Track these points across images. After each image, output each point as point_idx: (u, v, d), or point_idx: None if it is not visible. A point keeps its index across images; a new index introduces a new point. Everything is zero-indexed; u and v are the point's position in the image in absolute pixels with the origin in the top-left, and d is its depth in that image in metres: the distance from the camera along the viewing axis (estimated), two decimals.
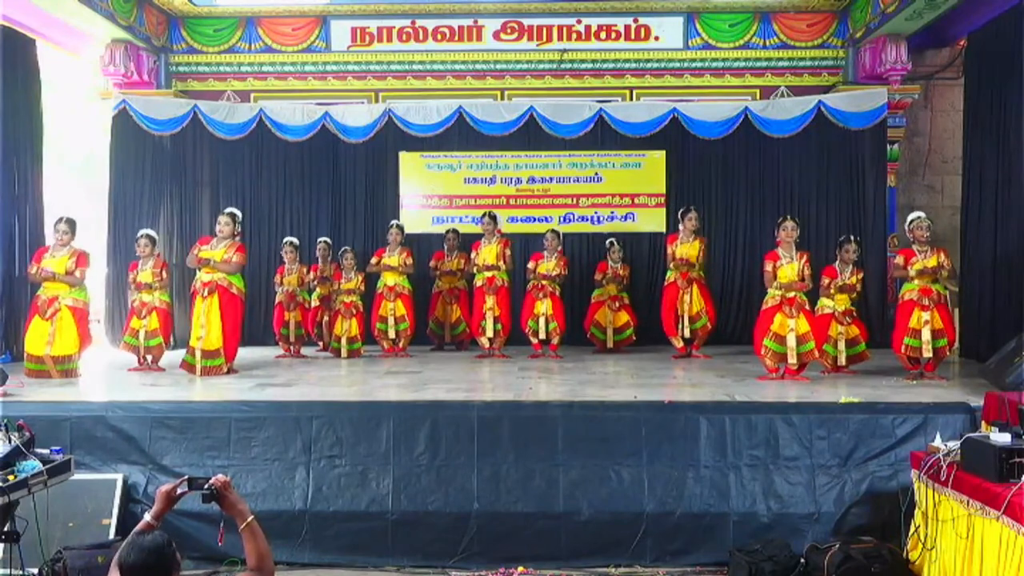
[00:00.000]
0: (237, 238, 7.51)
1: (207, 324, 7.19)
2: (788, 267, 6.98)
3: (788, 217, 7.31)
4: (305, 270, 8.95)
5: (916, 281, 6.85)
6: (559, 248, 8.64)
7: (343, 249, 8.75)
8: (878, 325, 9.02)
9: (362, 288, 8.62)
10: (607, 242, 9.02)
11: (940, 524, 4.39)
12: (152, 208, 9.73)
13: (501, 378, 7.14)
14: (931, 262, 6.82)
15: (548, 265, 8.49)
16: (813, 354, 6.89)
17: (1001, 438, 4.06)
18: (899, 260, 7.06)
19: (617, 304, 8.83)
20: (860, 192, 9.50)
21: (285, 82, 10.10)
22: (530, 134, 9.65)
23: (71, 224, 7.19)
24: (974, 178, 8.52)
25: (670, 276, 8.39)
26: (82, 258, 7.15)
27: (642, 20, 9.92)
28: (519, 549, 5.19)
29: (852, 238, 7.51)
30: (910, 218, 7.13)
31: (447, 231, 9.24)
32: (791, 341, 6.81)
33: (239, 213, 7.70)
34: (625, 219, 9.82)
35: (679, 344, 8.34)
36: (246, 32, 10.00)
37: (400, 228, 8.84)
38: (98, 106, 9.92)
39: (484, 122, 9.56)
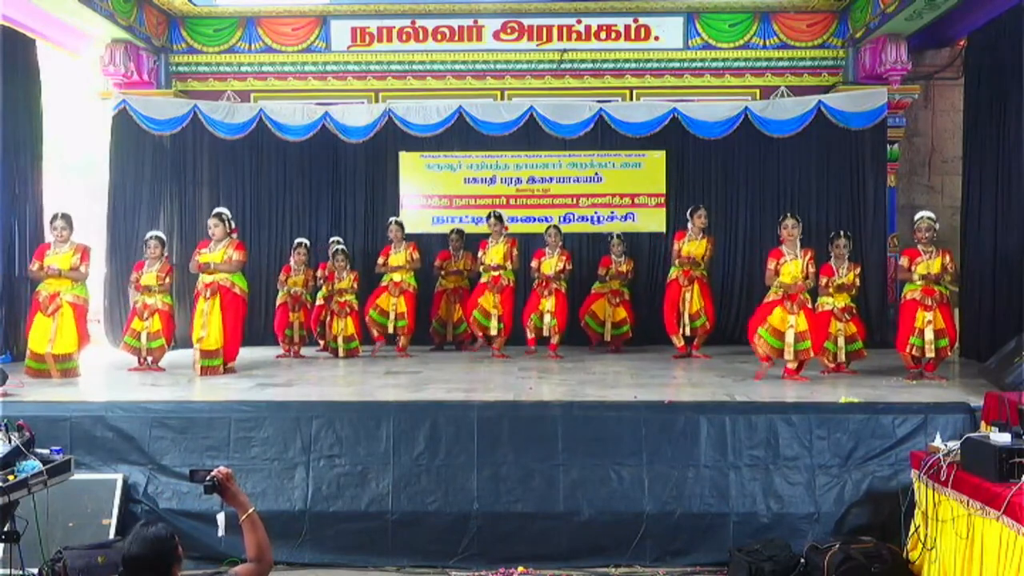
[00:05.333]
0: (234, 235, 7.53)
1: (208, 324, 7.19)
2: (791, 264, 6.96)
3: (788, 215, 7.28)
4: (312, 272, 8.93)
5: (919, 281, 6.85)
6: (560, 243, 8.64)
7: (335, 250, 8.72)
8: (878, 325, 9.03)
9: (355, 287, 8.60)
10: (610, 236, 9.01)
11: (940, 524, 4.40)
12: (152, 208, 9.72)
13: (501, 378, 7.14)
14: (935, 266, 6.81)
15: (551, 262, 8.48)
16: (809, 353, 6.86)
17: (1001, 438, 4.07)
18: (903, 261, 7.04)
19: (617, 299, 8.81)
20: (860, 192, 9.49)
21: (285, 82, 10.10)
22: (530, 134, 9.65)
23: (68, 220, 7.14)
24: (974, 178, 8.52)
25: (672, 273, 8.39)
26: (85, 253, 7.13)
27: (642, 20, 9.92)
28: (519, 549, 5.20)
29: (841, 233, 7.49)
30: (916, 217, 7.13)
31: (451, 231, 9.23)
32: (789, 337, 6.80)
33: (226, 211, 7.67)
34: (625, 219, 9.82)
35: (679, 343, 8.34)
36: (246, 32, 10.00)
37: (400, 224, 8.79)
38: (98, 106, 9.91)
39: (484, 122, 9.56)
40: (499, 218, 8.67)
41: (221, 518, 3.22)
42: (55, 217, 7.20)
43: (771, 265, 7.04)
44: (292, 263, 8.84)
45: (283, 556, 5.08)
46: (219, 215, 7.49)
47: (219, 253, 7.32)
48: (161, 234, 7.98)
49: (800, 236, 7.14)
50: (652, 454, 5.34)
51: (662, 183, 9.79)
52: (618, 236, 8.95)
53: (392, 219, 8.94)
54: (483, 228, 8.92)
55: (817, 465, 5.33)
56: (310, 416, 5.51)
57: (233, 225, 7.58)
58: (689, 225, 8.40)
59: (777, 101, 9.65)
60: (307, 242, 9.00)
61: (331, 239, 9.24)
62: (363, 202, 9.94)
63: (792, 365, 6.87)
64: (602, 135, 9.64)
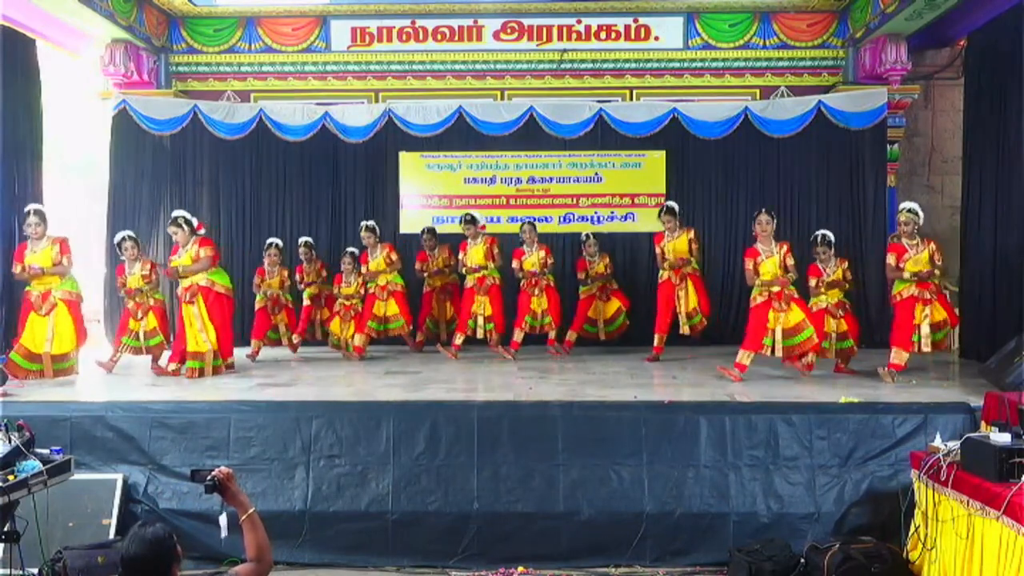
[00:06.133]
0: (200, 232, 7.37)
1: (204, 328, 7.14)
2: (769, 261, 6.90)
3: (763, 211, 7.17)
4: (287, 273, 8.82)
5: (911, 278, 6.83)
6: (536, 238, 8.55)
7: (345, 252, 8.65)
8: (878, 324, 9.01)
9: (362, 292, 8.54)
10: (584, 236, 8.87)
11: (940, 524, 4.40)
12: (152, 208, 9.72)
13: (501, 378, 7.14)
14: (923, 259, 6.79)
15: (532, 259, 8.42)
16: (812, 340, 6.82)
17: (1001, 438, 4.07)
18: (890, 259, 6.93)
19: (606, 293, 8.76)
20: (860, 192, 9.49)
21: (285, 82, 10.10)
22: (530, 134, 9.64)
23: (40, 215, 6.96)
24: (974, 178, 8.52)
25: (663, 275, 8.36)
26: (64, 245, 6.96)
27: (642, 20, 9.92)
28: (519, 549, 5.20)
29: (819, 239, 7.41)
30: (898, 209, 7.10)
31: (422, 231, 9.12)
32: (778, 334, 6.79)
33: (185, 213, 7.46)
34: (625, 219, 9.82)
35: (658, 344, 8.25)
36: (246, 32, 10.00)
37: (371, 229, 8.57)
38: (98, 106, 9.92)
39: (484, 122, 9.56)
40: (472, 220, 8.50)
41: (223, 519, 3.22)
42: (28, 214, 7.00)
43: (749, 265, 6.94)
44: (265, 265, 8.70)
45: (283, 556, 5.08)
46: (175, 220, 7.29)
47: (186, 256, 7.20)
48: (132, 233, 7.81)
49: (774, 231, 7.04)
50: (652, 454, 5.35)
51: (662, 183, 9.78)
52: (592, 235, 8.78)
53: (363, 224, 8.75)
54: (463, 230, 8.78)
55: (817, 465, 5.34)
56: (310, 416, 5.51)
57: (195, 224, 7.40)
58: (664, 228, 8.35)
59: (777, 101, 9.66)
60: (279, 242, 8.85)
61: (300, 240, 9.06)
62: (363, 202, 9.92)
63: (803, 360, 6.88)
64: (602, 135, 9.63)
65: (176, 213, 7.45)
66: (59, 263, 6.91)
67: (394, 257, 8.56)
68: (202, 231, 7.48)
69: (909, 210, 6.94)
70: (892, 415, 5.43)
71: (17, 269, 6.98)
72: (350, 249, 8.70)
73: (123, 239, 7.62)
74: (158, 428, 5.47)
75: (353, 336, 8.45)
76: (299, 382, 7.09)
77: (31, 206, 7.17)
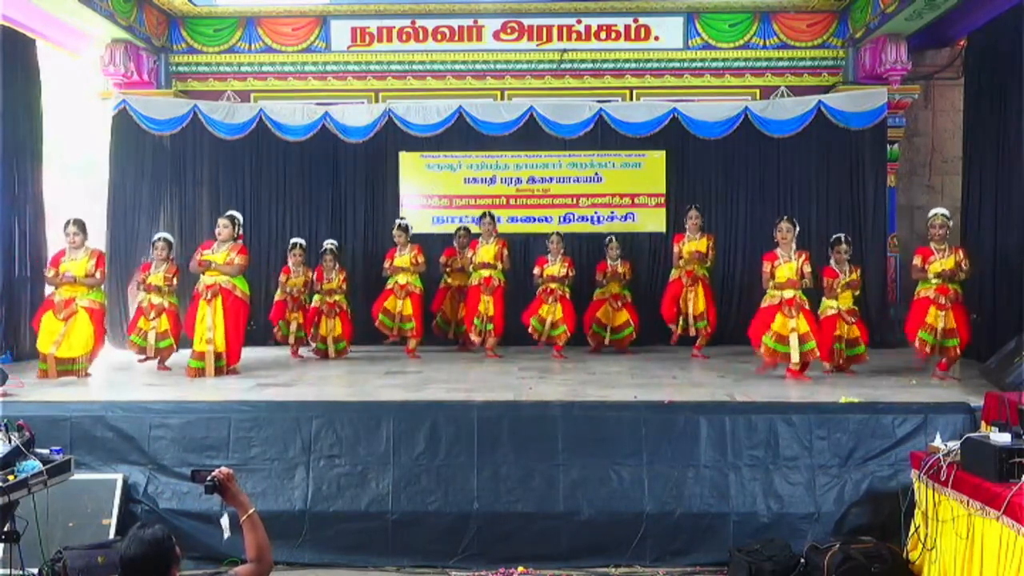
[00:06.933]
0: (238, 240, 7.51)
1: (214, 327, 7.16)
2: (786, 266, 6.97)
3: (784, 218, 7.31)
4: (311, 273, 8.83)
5: (934, 280, 6.83)
6: (563, 250, 8.61)
7: (324, 249, 8.63)
8: (878, 325, 9.01)
9: (344, 287, 8.56)
10: (605, 240, 8.97)
11: (940, 524, 4.40)
12: (152, 208, 9.71)
13: (501, 378, 7.14)
14: (948, 263, 6.80)
15: (554, 268, 8.46)
16: (814, 353, 6.86)
17: (1001, 438, 4.07)
18: (916, 261, 7.01)
19: (619, 303, 8.78)
20: (860, 192, 9.48)
21: (285, 82, 10.10)
22: (530, 134, 9.63)
23: (80, 225, 7.18)
24: (974, 178, 8.53)
25: (674, 273, 8.39)
26: (100, 258, 7.22)
27: (642, 20, 9.92)
28: (519, 549, 5.21)
29: (843, 238, 7.44)
30: (930, 214, 7.12)
31: (458, 229, 9.19)
32: (793, 341, 6.80)
33: (239, 215, 7.70)
34: (625, 219, 9.81)
35: (677, 330, 8.36)
36: (246, 32, 10.00)
37: (403, 228, 8.63)
38: (98, 106, 9.91)
39: (484, 122, 9.56)
40: (492, 218, 8.62)
41: (225, 520, 3.21)
42: (68, 223, 7.20)
43: (766, 268, 7.07)
44: (290, 264, 8.72)
45: (283, 556, 5.08)
46: (231, 217, 7.50)
47: (222, 254, 7.31)
48: (169, 236, 7.95)
49: (795, 239, 7.14)
50: (652, 454, 5.35)
51: (662, 183, 9.78)
52: (615, 239, 8.88)
53: (397, 222, 8.81)
54: (480, 228, 8.86)
55: (817, 465, 5.34)
56: (310, 416, 5.51)
57: (240, 231, 7.57)
58: (686, 226, 8.48)
59: (777, 101, 9.65)
60: (303, 242, 8.85)
61: (326, 242, 9.08)
62: (363, 202, 9.92)
63: (795, 366, 6.87)
64: (602, 135, 9.63)
65: (233, 212, 7.72)
66: (92, 275, 7.11)
67: (420, 259, 8.57)
68: (241, 240, 7.58)
69: (943, 214, 6.99)
70: (892, 415, 5.43)
71: (50, 273, 7.15)
72: (330, 247, 8.66)
73: (159, 239, 7.77)
74: (158, 428, 5.48)
75: (339, 336, 8.44)
76: (299, 382, 7.08)
77: (71, 216, 7.35)
